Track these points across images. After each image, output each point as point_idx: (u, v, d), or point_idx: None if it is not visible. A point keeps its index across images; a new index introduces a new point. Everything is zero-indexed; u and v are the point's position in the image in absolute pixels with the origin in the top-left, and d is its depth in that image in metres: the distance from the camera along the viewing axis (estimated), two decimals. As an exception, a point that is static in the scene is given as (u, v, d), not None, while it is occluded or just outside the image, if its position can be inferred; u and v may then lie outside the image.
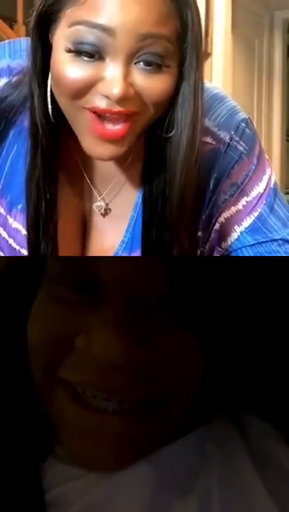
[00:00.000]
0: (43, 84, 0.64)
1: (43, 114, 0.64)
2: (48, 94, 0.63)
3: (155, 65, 0.58)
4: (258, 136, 0.77)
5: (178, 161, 0.65)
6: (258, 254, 0.75)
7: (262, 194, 0.75)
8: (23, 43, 0.70)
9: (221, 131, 0.72)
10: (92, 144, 0.62)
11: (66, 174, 0.71)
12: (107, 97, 0.58)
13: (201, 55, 0.63)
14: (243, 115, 0.75)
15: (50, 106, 0.64)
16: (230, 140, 0.72)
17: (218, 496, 0.52)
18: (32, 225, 0.69)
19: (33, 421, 0.56)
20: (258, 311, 0.50)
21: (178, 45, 0.60)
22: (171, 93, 0.61)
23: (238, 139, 0.73)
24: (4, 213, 0.72)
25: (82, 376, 0.49)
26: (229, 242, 0.76)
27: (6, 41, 0.72)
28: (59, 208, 0.70)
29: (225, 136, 0.72)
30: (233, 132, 0.72)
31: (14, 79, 0.68)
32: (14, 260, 0.59)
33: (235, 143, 0.73)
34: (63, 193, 0.71)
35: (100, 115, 0.60)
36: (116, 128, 0.60)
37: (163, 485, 0.53)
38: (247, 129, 0.74)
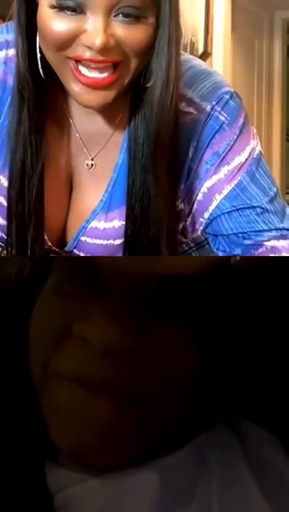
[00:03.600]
0: (26, 39, 0.68)
1: (27, 67, 0.68)
2: (37, 48, 0.67)
3: (133, 17, 0.62)
4: (244, 109, 0.78)
5: (153, 103, 0.68)
6: (236, 222, 0.74)
7: (243, 163, 0.75)
8: None
9: (204, 102, 0.74)
10: (79, 92, 0.66)
11: (55, 131, 0.74)
12: (89, 47, 0.62)
13: (176, 4, 0.66)
14: (227, 88, 0.76)
15: (39, 60, 0.68)
16: (212, 110, 0.74)
17: (218, 504, 0.52)
18: (17, 176, 0.71)
19: (36, 423, 0.56)
20: (258, 315, 0.50)
21: None
22: (150, 42, 0.65)
23: (219, 109, 0.74)
24: None
25: (78, 363, 0.50)
26: (210, 211, 0.76)
27: (5, 23, 0.77)
28: (46, 163, 0.73)
29: (206, 106, 0.74)
30: (214, 103, 0.74)
31: (10, 51, 0.73)
32: (22, 260, 0.59)
33: (216, 113, 0.74)
34: (51, 149, 0.74)
35: (86, 65, 0.64)
36: (102, 76, 0.64)
37: (165, 493, 0.53)
38: (231, 101, 0.75)
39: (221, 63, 3.25)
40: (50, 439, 0.53)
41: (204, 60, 3.26)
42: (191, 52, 3.27)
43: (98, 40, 0.61)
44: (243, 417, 0.57)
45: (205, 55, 3.25)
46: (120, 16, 0.62)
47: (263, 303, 0.50)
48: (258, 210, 0.75)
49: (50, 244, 0.78)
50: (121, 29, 0.62)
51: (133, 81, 0.68)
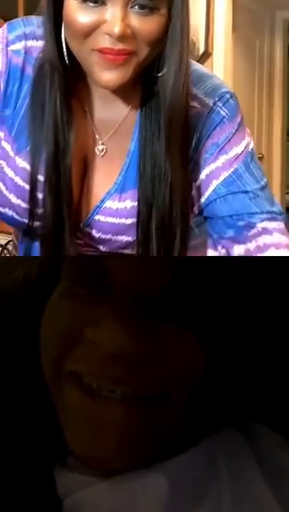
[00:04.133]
0: (54, 31, 0.75)
1: (56, 54, 0.76)
2: (63, 39, 0.75)
3: (148, 8, 0.69)
4: (241, 110, 0.86)
5: (166, 91, 0.76)
6: (231, 205, 0.82)
7: (240, 154, 0.83)
8: (34, 18, 0.81)
9: (207, 98, 0.82)
10: (100, 73, 0.72)
11: (73, 118, 0.80)
12: (109, 35, 0.69)
13: None
14: (228, 89, 0.84)
15: (64, 48, 0.75)
16: (214, 105, 0.82)
17: (229, 509, 0.52)
18: (52, 151, 0.78)
19: (45, 426, 0.56)
20: (269, 316, 0.50)
21: None
22: (162, 33, 0.72)
23: (221, 105, 0.82)
24: (13, 155, 0.82)
25: (89, 366, 0.50)
26: (207, 195, 0.84)
27: (20, 17, 0.84)
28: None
29: (210, 101, 0.82)
30: (217, 99, 0.82)
31: (29, 42, 0.80)
32: (31, 260, 0.59)
33: (218, 108, 0.82)
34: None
35: (105, 55, 0.71)
36: (119, 57, 0.71)
37: (175, 496, 0.53)
38: (231, 100, 0.83)
39: (222, 63, 3.25)
40: (63, 442, 0.53)
41: (205, 59, 3.26)
42: (192, 52, 3.27)
43: (117, 28, 0.68)
44: (254, 420, 0.56)
45: (206, 55, 3.25)
46: (136, 7, 0.69)
47: (272, 304, 0.50)
48: (251, 195, 0.82)
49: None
50: (136, 20, 0.69)
51: (146, 70, 0.74)
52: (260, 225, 0.81)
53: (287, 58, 4.06)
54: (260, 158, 3.88)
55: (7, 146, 0.83)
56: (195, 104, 0.80)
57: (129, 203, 0.82)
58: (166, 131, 0.77)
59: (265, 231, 0.81)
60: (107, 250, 0.86)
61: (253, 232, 0.82)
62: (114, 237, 0.84)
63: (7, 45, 0.80)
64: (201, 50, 3.25)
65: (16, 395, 0.58)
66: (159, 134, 0.77)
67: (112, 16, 0.68)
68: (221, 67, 3.24)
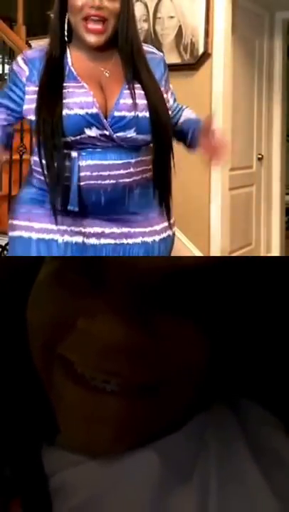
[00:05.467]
0: (60, 13, 1.43)
1: (60, 30, 1.44)
2: (66, 20, 1.43)
3: None
4: None
5: (128, 32, 1.44)
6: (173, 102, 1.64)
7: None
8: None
9: (158, 52, 1.57)
10: (86, 37, 1.40)
11: (80, 64, 1.46)
12: (92, 7, 1.36)
13: None
14: None
15: (66, 26, 1.44)
16: (163, 57, 1.58)
17: (216, 482, 0.52)
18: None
19: (33, 406, 0.56)
20: (258, 300, 0.51)
21: None
22: (120, 8, 1.40)
23: (164, 58, 1.58)
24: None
25: (83, 357, 0.50)
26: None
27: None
28: (82, 77, 1.43)
29: (160, 54, 1.57)
30: (162, 55, 1.58)
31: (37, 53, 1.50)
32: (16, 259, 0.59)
33: (164, 58, 1.58)
34: (85, 69, 1.44)
35: (91, 19, 1.38)
36: (97, 26, 1.38)
37: (164, 472, 0.53)
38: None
39: (222, 63, 3.25)
40: (51, 421, 0.53)
41: (205, 60, 3.26)
42: (192, 53, 3.27)
43: (97, 2, 1.36)
44: (243, 396, 0.57)
45: (205, 56, 3.25)
46: None
47: (263, 289, 0.51)
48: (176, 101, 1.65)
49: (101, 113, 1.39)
50: (107, 2, 1.37)
51: (114, 34, 1.43)
52: (185, 110, 1.67)
53: (286, 59, 4.06)
54: (259, 159, 3.88)
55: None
56: (151, 50, 1.54)
57: (139, 100, 1.42)
58: (136, 56, 1.46)
59: (187, 111, 1.67)
60: (120, 134, 1.39)
61: (181, 113, 1.65)
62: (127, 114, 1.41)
63: (26, 56, 1.48)
64: (201, 50, 3.25)
65: (3, 375, 0.57)
66: (131, 59, 1.45)
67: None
68: (220, 67, 3.25)
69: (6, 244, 3.00)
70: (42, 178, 1.40)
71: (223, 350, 0.52)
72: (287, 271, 0.51)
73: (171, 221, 1.54)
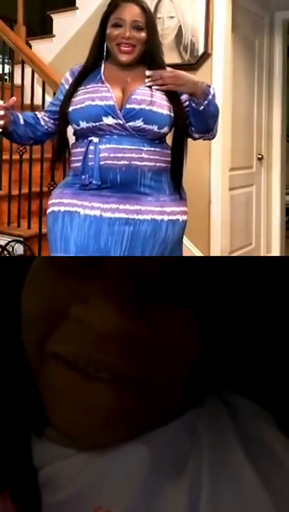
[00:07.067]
0: (98, 40, 1.86)
1: (96, 51, 1.86)
2: (105, 47, 1.83)
3: (138, 28, 1.78)
4: None
5: (151, 54, 1.86)
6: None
7: None
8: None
9: None
10: (120, 57, 1.79)
11: (109, 73, 1.82)
12: (124, 37, 1.77)
13: (154, 21, 1.93)
14: None
15: (105, 48, 1.84)
16: None
17: (207, 476, 0.52)
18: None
19: (22, 398, 0.56)
20: (258, 299, 0.51)
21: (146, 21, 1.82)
22: (145, 37, 1.80)
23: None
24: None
25: (75, 348, 0.49)
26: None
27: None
28: (109, 81, 1.79)
29: None
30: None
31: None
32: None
33: None
34: (112, 76, 1.81)
35: (121, 44, 1.78)
36: (127, 49, 1.78)
37: (155, 466, 0.53)
38: None
39: (222, 63, 3.25)
40: (40, 413, 0.53)
41: (205, 60, 3.26)
42: (192, 52, 3.27)
43: (127, 34, 1.76)
44: (235, 391, 0.57)
45: (205, 56, 3.25)
46: (134, 28, 1.78)
47: (258, 285, 0.51)
48: None
49: (117, 105, 1.74)
50: (134, 32, 1.78)
51: (141, 54, 1.82)
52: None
53: (286, 59, 4.06)
54: (259, 159, 3.88)
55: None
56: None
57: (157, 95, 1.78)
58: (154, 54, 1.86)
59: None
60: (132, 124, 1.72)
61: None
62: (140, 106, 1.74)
63: (72, 69, 1.89)
64: (201, 50, 3.25)
65: None
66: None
67: (124, 31, 1.77)
68: (220, 67, 3.25)
69: (6, 244, 3.00)
70: (75, 164, 1.79)
71: (217, 346, 0.51)
72: (287, 271, 0.51)
73: (182, 208, 1.81)
